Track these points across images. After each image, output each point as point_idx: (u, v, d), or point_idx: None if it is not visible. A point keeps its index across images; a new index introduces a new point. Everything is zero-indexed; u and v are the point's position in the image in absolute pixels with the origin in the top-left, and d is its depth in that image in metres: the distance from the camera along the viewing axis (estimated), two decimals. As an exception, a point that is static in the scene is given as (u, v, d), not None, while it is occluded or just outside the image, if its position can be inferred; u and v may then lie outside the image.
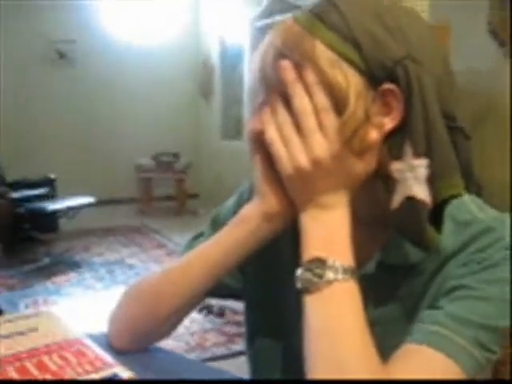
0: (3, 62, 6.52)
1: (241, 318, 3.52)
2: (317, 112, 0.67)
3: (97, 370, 0.73)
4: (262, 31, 6.43)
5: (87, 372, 0.72)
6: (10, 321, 0.90)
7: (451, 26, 3.86)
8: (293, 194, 0.70)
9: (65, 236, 5.67)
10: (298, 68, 0.68)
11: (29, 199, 5.17)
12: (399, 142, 0.68)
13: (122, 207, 7.02)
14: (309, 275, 0.66)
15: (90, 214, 5.76)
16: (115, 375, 0.72)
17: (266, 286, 0.91)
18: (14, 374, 0.72)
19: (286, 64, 0.68)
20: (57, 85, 6.93)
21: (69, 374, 0.72)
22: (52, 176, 5.82)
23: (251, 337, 0.96)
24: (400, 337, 0.69)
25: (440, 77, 0.69)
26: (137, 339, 0.87)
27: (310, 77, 0.67)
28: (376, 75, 0.67)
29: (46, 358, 0.76)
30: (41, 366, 0.74)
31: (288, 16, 0.76)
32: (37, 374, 0.72)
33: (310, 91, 0.67)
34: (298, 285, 0.67)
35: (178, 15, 7.44)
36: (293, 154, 0.67)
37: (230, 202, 0.97)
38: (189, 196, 7.19)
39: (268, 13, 6.21)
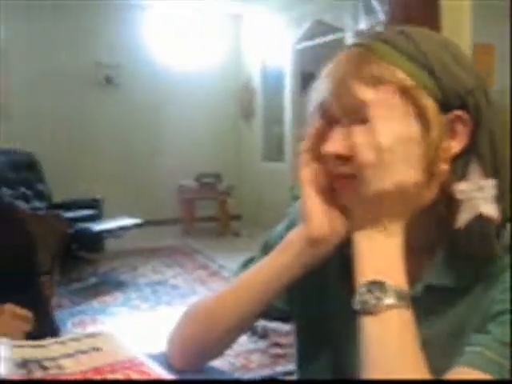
0: (52, 85, 6.75)
1: (284, 339, 3.53)
2: (405, 140, 0.69)
3: (160, 388, 0.77)
4: (302, 54, 6.50)
5: (151, 390, 0.76)
6: (74, 339, 0.94)
7: (495, 46, 3.86)
8: (361, 215, 0.72)
9: (110, 256, 5.79)
10: (386, 96, 0.70)
11: (76, 220, 5.30)
12: (463, 164, 0.72)
13: (166, 228, 7.12)
14: (368, 297, 0.68)
15: (135, 234, 5.86)
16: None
17: (315, 308, 0.93)
18: (82, 391, 0.76)
19: (378, 94, 0.70)
20: (103, 108, 7.12)
21: (134, 392, 0.75)
22: (98, 197, 5.96)
23: (301, 358, 0.98)
24: (446, 358, 0.71)
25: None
26: (194, 358, 0.91)
27: (400, 105, 0.70)
28: (449, 102, 0.71)
29: (110, 376, 0.80)
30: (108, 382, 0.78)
31: (327, 38, 0.79)
32: (104, 391, 0.76)
33: (399, 120, 0.69)
34: (356, 306, 0.69)
35: (220, 39, 7.58)
36: (381, 178, 0.68)
37: (280, 226, 0.99)
38: (231, 217, 7.26)
39: (309, 35, 6.28)
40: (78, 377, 0.80)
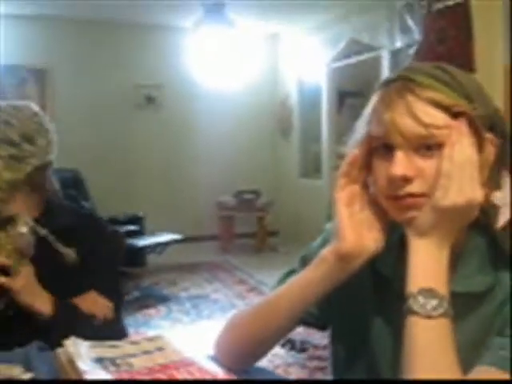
0: (94, 105, 6.99)
1: (322, 352, 3.60)
2: (472, 162, 0.80)
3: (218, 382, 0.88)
4: (338, 72, 6.60)
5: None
6: (139, 342, 1.06)
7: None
8: (424, 225, 0.82)
9: (152, 271, 5.94)
10: (455, 121, 0.82)
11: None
12: (494, 176, 0.84)
13: (205, 244, 7.26)
14: (423, 302, 0.79)
15: (176, 250, 6.00)
16: (235, 386, 0.86)
17: (350, 317, 1.01)
18: (151, 384, 0.87)
19: (457, 123, 0.81)
20: (144, 127, 7.32)
21: (196, 385, 0.87)
22: (140, 214, 6.14)
23: (336, 366, 1.07)
24: (470, 361, 0.80)
25: None
26: (239, 359, 1.01)
27: (468, 130, 0.81)
28: (484, 126, 0.83)
29: (174, 373, 0.92)
30: (173, 378, 0.89)
31: (363, 57, 0.90)
32: (170, 384, 0.87)
33: (468, 143, 0.81)
34: (412, 307, 0.79)
35: (258, 58, 7.73)
36: (455, 192, 0.79)
37: (317, 242, 1.08)
38: (269, 233, 7.36)
39: (345, 54, 6.38)
40: (146, 373, 0.92)
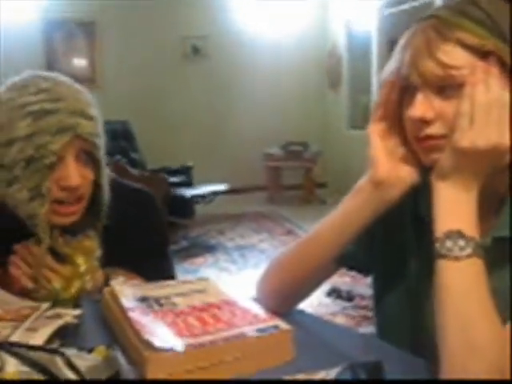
0: (142, 58, 7.01)
1: (368, 302, 3.60)
2: (500, 103, 0.76)
3: (260, 322, 0.88)
4: (390, 19, 6.40)
5: (252, 323, 0.88)
6: (184, 283, 1.08)
7: None
8: (449, 166, 0.79)
9: (200, 221, 6.02)
10: (479, 60, 0.78)
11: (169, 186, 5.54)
12: None
13: (253, 194, 7.30)
14: (450, 244, 0.77)
15: (223, 200, 6.06)
16: (276, 326, 0.87)
17: (392, 260, 1.00)
18: (194, 322, 0.88)
19: (478, 63, 0.78)
20: (191, 78, 7.32)
21: (238, 324, 0.87)
22: (189, 164, 6.19)
23: (378, 309, 1.06)
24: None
25: None
26: (281, 301, 1.01)
27: (495, 70, 0.77)
28: None
29: (217, 312, 0.92)
30: (214, 317, 0.90)
31: (416, 3, 0.86)
32: (212, 322, 0.88)
33: (495, 84, 0.77)
34: (440, 250, 0.77)
35: (305, 4, 7.57)
36: (479, 135, 0.76)
37: None
38: (317, 185, 7.34)
39: (396, 1, 6.17)
40: (188, 312, 0.93)
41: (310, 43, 7.69)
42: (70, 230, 1.21)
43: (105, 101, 6.69)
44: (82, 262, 1.18)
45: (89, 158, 1.20)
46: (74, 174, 1.15)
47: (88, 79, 6.90)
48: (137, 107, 6.92)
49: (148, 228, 1.40)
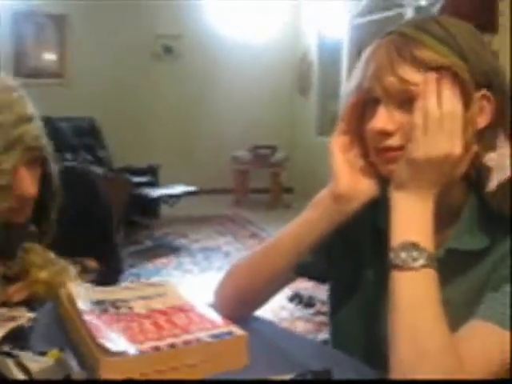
0: (112, 54, 6.95)
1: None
2: (452, 115, 0.79)
3: (216, 327, 0.89)
4: (360, 28, 6.48)
5: (208, 329, 0.88)
6: (141, 286, 1.08)
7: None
8: (404, 177, 0.81)
9: (165, 222, 6.00)
10: (433, 76, 0.80)
11: (134, 185, 5.50)
12: (490, 137, 0.82)
13: (219, 197, 7.29)
14: (404, 256, 0.78)
15: (189, 202, 6.05)
16: (231, 332, 0.87)
17: (349, 269, 1.02)
18: (149, 327, 0.89)
19: (429, 76, 0.80)
20: (162, 78, 7.29)
21: (193, 329, 0.88)
22: (155, 164, 6.16)
23: (334, 312, 1.07)
24: (465, 317, 0.81)
25: None
26: (238, 307, 1.02)
27: (447, 84, 0.79)
28: (476, 82, 0.81)
29: (174, 317, 0.93)
30: (171, 322, 0.90)
31: (387, 14, 0.89)
32: (168, 327, 0.88)
33: (447, 97, 0.79)
34: (394, 261, 0.79)
35: (279, 11, 7.61)
36: (431, 145, 0.78)
37: None
38: (283, 189, 7.37)
39: (368, 10, 6.25)
40: (146, 316, 0.93)
41: (281, 48, 7.73)
42: (12, 236, 1.19)
43: (73, 97, 6.65)
44: (36, 272, 1.17)
45: (38, 157, 1.17)
46: (29, 183, 1.12)
47: (57, 74, 6.83)
48: (106, 105, 6.86)
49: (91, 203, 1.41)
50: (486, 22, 2.94)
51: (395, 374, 0.75)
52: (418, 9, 5.20)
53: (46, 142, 1.18)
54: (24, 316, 0.98)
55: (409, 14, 5.38)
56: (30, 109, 1.15)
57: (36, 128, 1.14)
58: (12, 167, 1.08)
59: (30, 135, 1.11)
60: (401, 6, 5.55)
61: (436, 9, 4.57)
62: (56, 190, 1.25)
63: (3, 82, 1.15)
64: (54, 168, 1.24)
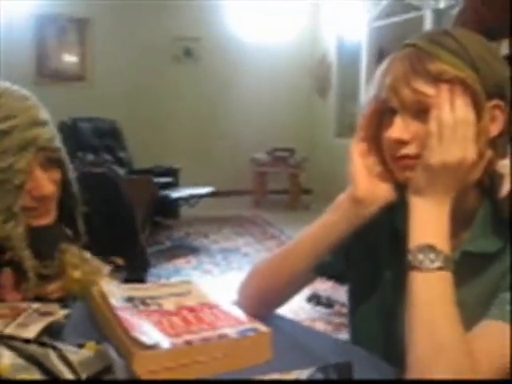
0: (132, 58, 7.03)
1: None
2: (465, 123, 0.83)
3: (241, 324, 0.94)
4: (379, 31, 6.49)
5: (233, 325, 0.93)
6: (169, 285, 1.13)
7: None
8: (421, 183, 0.86)
9: (185, 223, 6.07)
10: (446, 88, 0.85)
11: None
12: (503, 144, 0.87)
13: (238, 198, 7.34)
14: (421, 257, 0.83)
15: (209, 203, 6.11)
16: (255, 329, 0.92)
17: (368, 270, 1.06)
18: (178, 322, 0.94)
19: (442, 88, 0.85)
20: (182, 80, 7.34)
21: (219, 325, 0.93)
22: (176, 166, 6.23)
23: (353, 312, 1.12)
24: (477, 318, 0.85)
25: None
26: (260, 306, 1.06)
27: (459, 95, 0.84)
28: (488, 92, 0.86)
29: (201, 314, 0.98)
30: (198, 319, 0.96)
31: (406, 16, 0.94)
32: (196, 323, 0.94)
33: (460, 106, 0.84)
34: (412, 262, 0.83)
35: (298, 13, 7.64)
36: (445, 151, 0.83)
37: None
38: (302, 191, 7.41)
39: (387, 13, 6.26)
40: (175, 313, 0.98)
41: (300, 50, 7.76)
42: (47, 237, 1.23)
43: (94, 98, 6.72)
44: (71, 271, 1.22)
45: (53, 159, 1.21)
46: (46, 183, 1.16)
47: (78, 76, 6.92)
48: (126, 106, 6.93)
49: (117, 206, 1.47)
50: (505, 27, 2.94)
51: (412, 372, 0.79)
52: (437, 11, 5.20)
53: (59, 144, 1.22)
54: (58, 312, 1.04)
55: (427, 16, 5.39)
56: (44, 114, 1.20)
57: (49, 132, 1.18)
58: (25, 167, 1.12)
59: (42, 138, 1.15)
60: (419, 8, 5.56)
61: (455, 11, 4.58)
62: (75, 193, 1.29)
63: (18, 92, 1.19)
64: (72, 172, 1.28)
